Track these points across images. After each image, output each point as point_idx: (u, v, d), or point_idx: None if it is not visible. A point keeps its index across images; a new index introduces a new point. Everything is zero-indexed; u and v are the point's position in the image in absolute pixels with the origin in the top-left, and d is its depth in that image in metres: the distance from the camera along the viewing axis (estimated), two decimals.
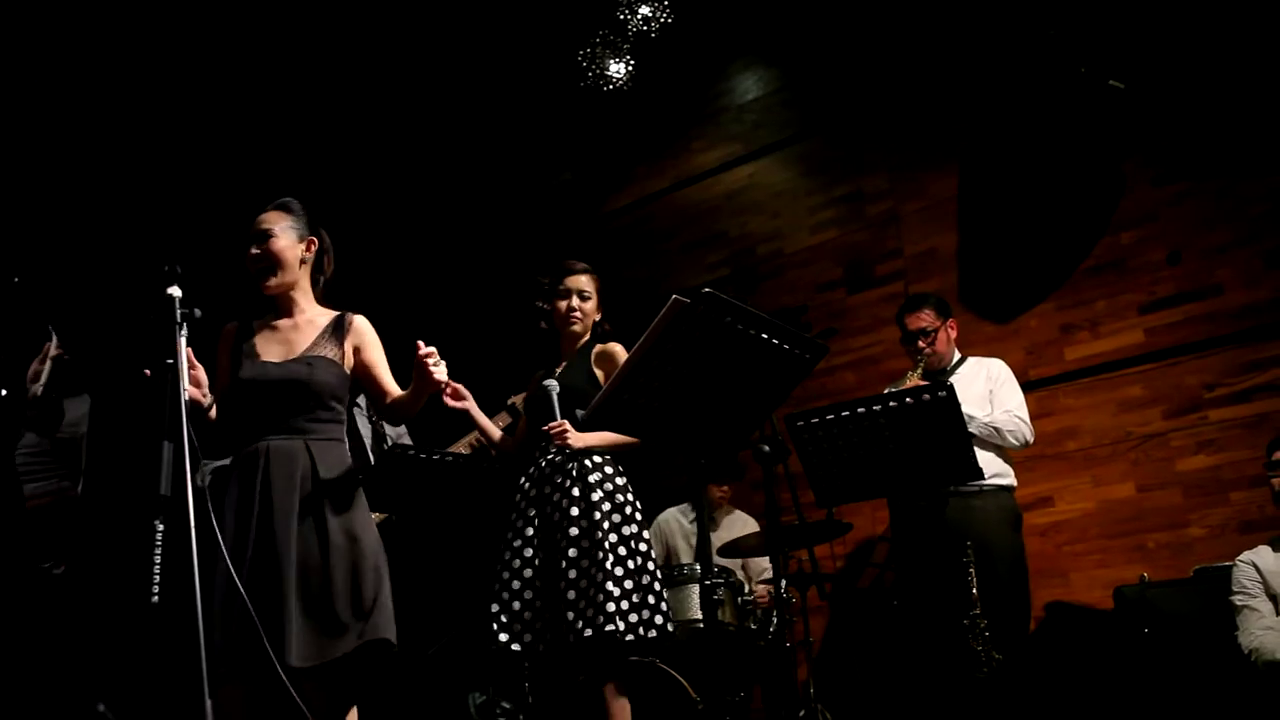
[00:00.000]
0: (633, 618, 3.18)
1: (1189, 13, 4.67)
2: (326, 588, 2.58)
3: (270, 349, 2.81)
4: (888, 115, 5.49)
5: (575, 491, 3.32)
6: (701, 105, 6.18)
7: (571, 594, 3.18)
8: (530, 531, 3.34)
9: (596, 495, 3.32)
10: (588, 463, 3.37)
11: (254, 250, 2.82)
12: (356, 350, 2.86)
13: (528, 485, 3.43)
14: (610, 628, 3.13)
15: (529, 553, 3.31)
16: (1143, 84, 4.61)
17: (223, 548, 2.47)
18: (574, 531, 3.26)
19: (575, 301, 3.55)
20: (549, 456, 3.40)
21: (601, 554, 3.22)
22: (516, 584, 3.27)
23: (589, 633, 3.12)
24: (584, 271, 3.59)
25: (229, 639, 2.46)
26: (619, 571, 3.21)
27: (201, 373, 2.60)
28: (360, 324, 2.89)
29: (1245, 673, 3.55)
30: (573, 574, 3.21)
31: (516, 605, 3.25)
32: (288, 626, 2.50)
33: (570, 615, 3.15)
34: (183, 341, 2.47)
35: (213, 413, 2.73)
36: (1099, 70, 4.56)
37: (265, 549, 2.59)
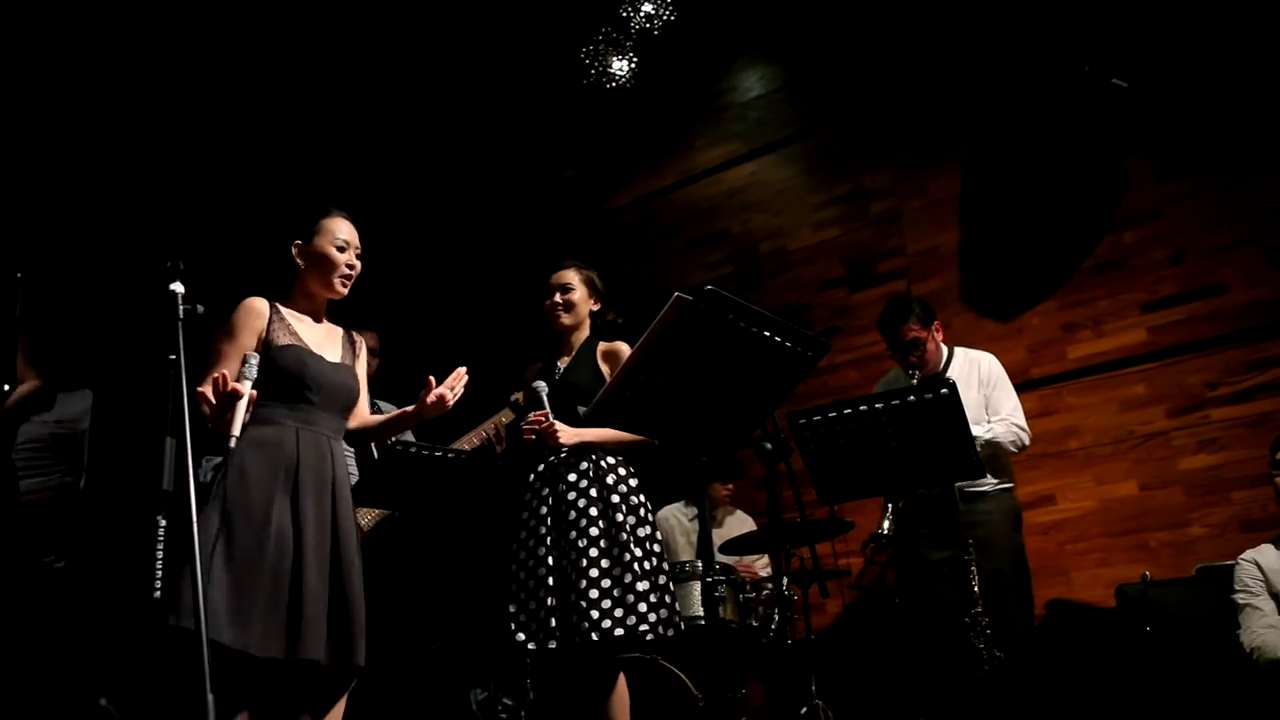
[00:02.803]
0: (651, 618, 3.19)
1: (1192, 11, 4.66)
2: (358, 599, 2.67)
3: (315, 343, 2.81)
4: (890, 113, 5.48)
5: (593, 492, 3.31)
6: (704, 103, 6.18)
7: (594, 593, 3.16)
8: (543, 530, 3.31)
9: (615, 497, 3.31)
10: (603, 463, 3.36)
11: (352, 264, 2.88)
12: (356, 367, 2.95)
13: (538, 484, 3.40)
14: (643, 628, 3.15)
15: (542, 552, 3.28)
16: (1146, 82, 4.61)
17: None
18: (594, 532, 3.25)
19: (556, 297, 3.53)
20: (560, 454, 3.37)
21: (628, 556, 3.22)
22: (533, 584, 3.25)
23: (620, 632, 3.12)
24: (565, 266, 3.57)
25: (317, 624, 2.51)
26: (641, 571, 3.22)
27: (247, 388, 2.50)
28: (364, 344, 3.01)
29: (1247, 671, 3.55)
30: (594, 573, 3.19)
31: (533, 605, 3.22)
32: (355, 625, 2.60)
33: (595, 614, 3.13)
34: (246, 385, 2.46)
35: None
36: (1102, 68, 4.56)
37: (341, 543, 2.66)
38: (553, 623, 3.17)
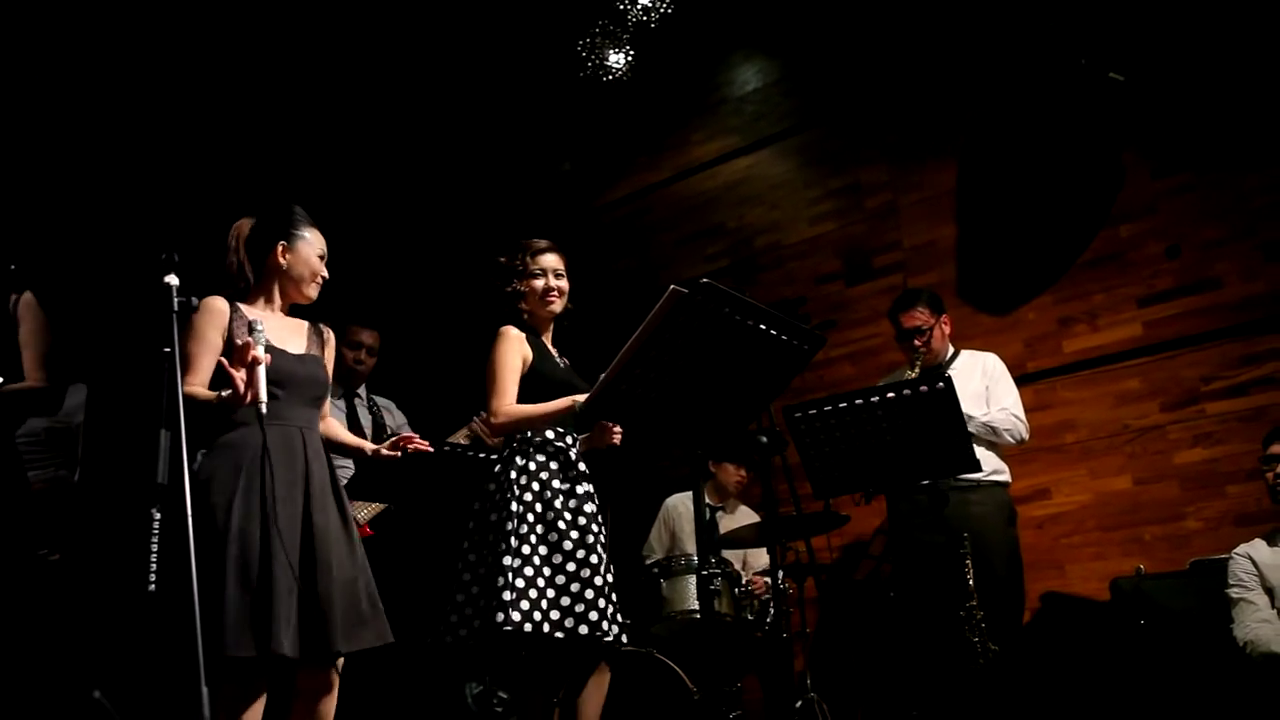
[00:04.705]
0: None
1: (1189, 5, 4.66)
2: (354, 580, 2.69)
3: (276, 338, 2.79)
4: (887, 107, 5.48)
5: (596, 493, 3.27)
6: (701, 96, 6.16)
7: (614, 592, 3.15)
8: (585, 519, 3.17)
9: None
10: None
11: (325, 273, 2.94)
12: (324, 358, 2.96)
13: (575, 473, 3.22)
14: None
15: (591, 539, 3.15)
16: (1142, 76, 4.60)
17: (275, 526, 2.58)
18: (605, 531, 3.23)
19: (553, 280, 3.33)
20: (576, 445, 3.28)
21: None
22: (588, 572, 3.09)
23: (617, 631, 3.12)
24: (553, 249, 3.39)
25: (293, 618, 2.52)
26: None
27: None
28: (331, 337, 3.00)
29: (1240, 665, 3.56)
30: (612, 574, 3.17)
31: (590, 593, 3.07)
32: (332, 612, 2.59)
33: (615, 612, 3.13)
34: (261, 350, 2.49)
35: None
36: (1099, 62, 4.55)
37: (315, 535, 2.66)
38: (611, 613, 3.08)
